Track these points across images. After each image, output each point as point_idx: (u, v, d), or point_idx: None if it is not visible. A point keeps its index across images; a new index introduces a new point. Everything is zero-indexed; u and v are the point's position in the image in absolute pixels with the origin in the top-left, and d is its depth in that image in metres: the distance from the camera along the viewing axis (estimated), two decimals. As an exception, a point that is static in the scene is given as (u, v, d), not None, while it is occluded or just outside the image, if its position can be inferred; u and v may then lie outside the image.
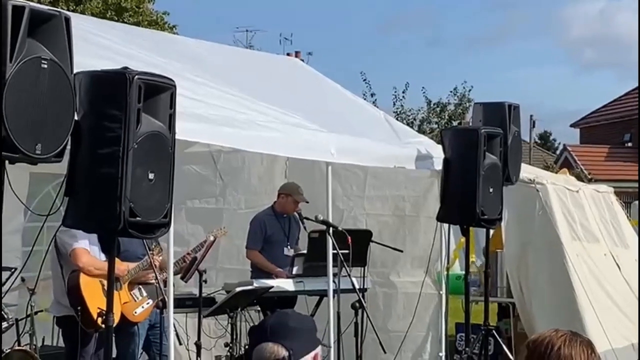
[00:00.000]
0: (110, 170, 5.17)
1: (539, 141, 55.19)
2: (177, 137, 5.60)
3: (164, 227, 5.61)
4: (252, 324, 9.88)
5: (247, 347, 10.13)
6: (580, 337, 3.41)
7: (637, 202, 25.16)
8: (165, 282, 7.34)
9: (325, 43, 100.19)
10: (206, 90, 7.88)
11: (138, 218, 5.29)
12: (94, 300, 7.23)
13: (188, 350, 8.85)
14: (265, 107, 8.22)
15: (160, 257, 7.94)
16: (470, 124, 11.38)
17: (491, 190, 8.66)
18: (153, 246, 7.84)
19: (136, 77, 5.23)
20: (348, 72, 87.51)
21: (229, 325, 8.76)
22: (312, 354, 3.35)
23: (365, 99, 32.06)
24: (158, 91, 5.44)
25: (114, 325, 5.77)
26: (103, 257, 7.40)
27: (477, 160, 8.53)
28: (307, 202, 9.88)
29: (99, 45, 7.69)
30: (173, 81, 5.55)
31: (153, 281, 7.91)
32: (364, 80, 34.84)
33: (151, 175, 5.37)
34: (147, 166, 5.34)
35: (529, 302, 10.23)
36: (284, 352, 3.31)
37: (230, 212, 11.32)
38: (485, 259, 9.64)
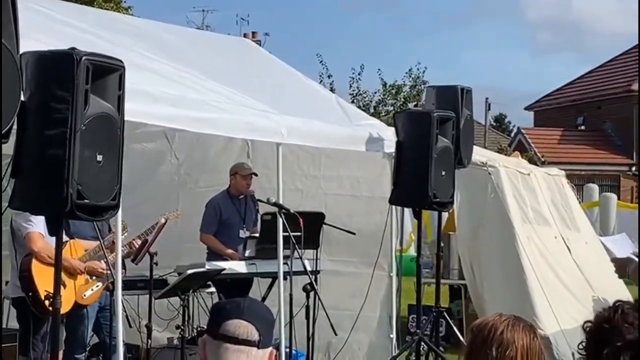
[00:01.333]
0: (58, 152, 5.12)
1: (494, 124, 55.49)
2: (125, 118, 5.55)
3: (112, 209, 5.57)
4: (204, 306, 9.88)
5: (199, 329, 10.12)
6: (523, 321, 3.43)
7: (590, 184, 25.45)
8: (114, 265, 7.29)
9: (284, 24, 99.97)
10: (158, 67, 7.83)
11: (86, 200, 5.25)
12: (47, 285, 7.15)
13: (140, 332, 8.81)
14: (217, 87, 8.19)
15: (125, 234, 7.91)
16: (423, 106, 11.40)
17: (443, 173, 8.69)
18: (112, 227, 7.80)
19: (84, 57, 5.18)
20: (307, 53, 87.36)
21: (181, 307, 8.72)
22: (270, 349, 3.25)
23: (322, 81, 32.13)
24: (106, 72, 5.39)
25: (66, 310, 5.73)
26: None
27: (429, 144, 8.55)
28: (256, 175, 9.87)
29: (46, 25, 7.59)
30: (122, 62, 5.50)
31: (102, 269, 7.86)
32: (320, 62, 34.75)
33: (99, 157, 5.32)
34: (96, 148, 5.29)
35: (480, 284, 10.30)
36: (256, 336, 3.16)
37: (187, 190, 11.28)
38: (437, 242, 9.69)
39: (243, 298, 3.34)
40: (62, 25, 7.93)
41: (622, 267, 8.07)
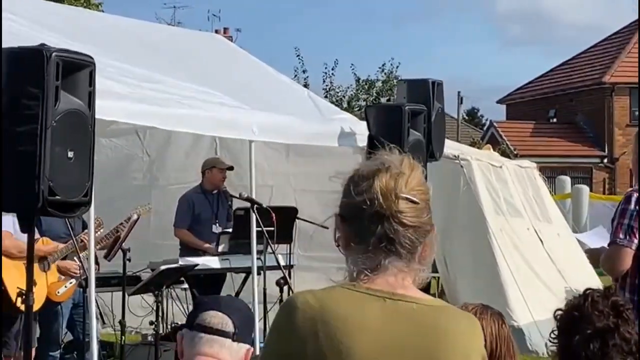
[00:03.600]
0: (29, 149, 5.12)
1: (466, 117, 55.65)
2: (96, 115, 5.55)
3: (84, 205, 5.57)
4: (178, 303, 9.89)
5: (173, 325, 10.12)
6: (490, 309, 3.47)
7: (562, 177, 25.62)
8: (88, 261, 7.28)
9: (255, 19, 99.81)
10: (125, 68, 7.80)
11: (57, 197, 5.24)
12: (16, 283, 7.13)
13: (114, 328, 8.80)
14: (187, 84, 8.17)
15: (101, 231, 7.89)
16: (394, 100, 11.45)
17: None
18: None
19: (54, 54, 5.18)
20: (280, 48, 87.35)
21: (155, 303, 8.71)
22: (247, 346, 3.28)
23: (296, 76, 32.11)
24: (77, 68, 5.38)
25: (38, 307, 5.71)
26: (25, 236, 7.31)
27: (401, 137, 8.57)
28: (232, 168, 9.89)
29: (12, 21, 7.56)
30: (92, 58, 5.49)
31: (75, 268, 7.84)
32: (297, 56, 34.69)
33: (70, 154, 5.32)
34: (67, 144, 5.29)
35: (453, 276, 10.35)
36: (231, 327, 3.21)
37: (159, 188, 11.29)
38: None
39: (227, 295, 3.39)
40: (31, 23, 7.90)
41: (597, 257, 8.12)
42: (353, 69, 36.13)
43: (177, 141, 11.20)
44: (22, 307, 6.25)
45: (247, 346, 3.27)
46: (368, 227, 2.39)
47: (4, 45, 5.30)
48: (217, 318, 3.22)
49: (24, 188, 5.16)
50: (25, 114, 5.13)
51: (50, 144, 5.15)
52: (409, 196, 2.39)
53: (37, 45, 5.26)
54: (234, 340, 3.21)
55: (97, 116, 5.58)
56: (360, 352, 2.31)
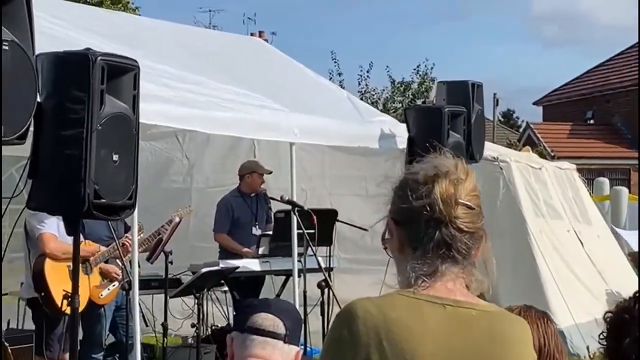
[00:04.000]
0: (74, 152, 5.16)
1: (502, 119, 55.40)
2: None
3: (128, 208, 5.61)
4: (218, 305, 9.92)
5: (213, 327, 10.16)
6: (534, 309, 3.45)
7: (601, 178, 25.44)
8: (131, 263, 7.33)
9: (290, 22, 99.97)
10: (166, 71, 7.84)
11: (103, 200, 5.29)
12: (60, 285, 7.18)
13: (154, 331, 8.84)
14: (227, 88, 8.20)
15: (142, 235, 7.94)
16: (434, 102, 11.41)
17: (455, 168, 8.68)
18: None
19: (99, 58, 5.22)
20: (315, 51, 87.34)
21: (196, 306, 8.75)
22: (297, 348, 3.29)
23: (331, 79, 32.11)
24: (121, 72, 5.43)
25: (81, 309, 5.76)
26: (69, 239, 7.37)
27: (441, 139, 8.54)
28: (271, 172, 9.91)
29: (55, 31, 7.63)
30: (136, 62, 5.53)
31: (118, 272, 7.90)
32: (333, 59, 34.65)
33: (115, 157, 5.36)
34: (112, 148, 5.33)
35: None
36: (283, 329, 3.21)
37: (199, 190, 11.35)
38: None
39: (275, 297, 3.39)
40: (74, 27, 7.97)
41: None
42: (388, 71, 36.12)
43: (216, 144, 11.24)
44: (67, 310, 6.30)
45: (297, 348, 3.27)
46: (425, 232, 2.38)
47: (49, 49, 5.35)
48: (268, 320, 3.23)
49: (70, 191, 5.21)
50: (71, 117, 5.18)
51: (95, 147, 5.20)
52: (466, 202, 2.39)
53: (83, 50, 5.31)
54: (285, 342, 3.21)
55: (140, 120, 5.62)
56: (423, 359, 2.30)
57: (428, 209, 2.38)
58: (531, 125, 38.85)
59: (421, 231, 2.38)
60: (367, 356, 2.32)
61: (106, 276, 7.97)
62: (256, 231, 10.01)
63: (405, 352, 2.29)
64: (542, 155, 26.42)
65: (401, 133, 9.13)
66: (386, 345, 2.30)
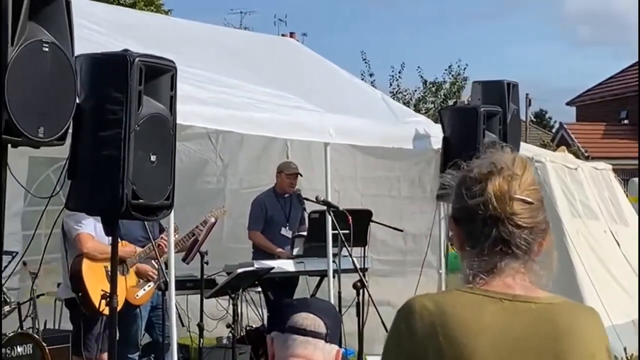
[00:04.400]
0: (113, 153, 5.18)
1: (534, 119, 55.16)
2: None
3: (166, 209, 5.63)
4: (252, 306, 9.93)
5: (247, 327, 10.17)
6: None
7: (635, 179, 25.27)
8: (166, 264, 7.35)
9: (320, 23, 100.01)
10: (201, 73, 7.86)
11: (140, 200, 5.30)
12: (98, 285, 7.22)
13: (190, 331, 8.86)
14: (262, 89, 8.21)
15: (177, 236, 7.96)
16: (467, 102, 11.38)
17: (491, 168, 8.64)
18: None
19: (137, 59, 5.24)
20: (345, 52, 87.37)
21: (230, 306, 8.76)
22: (337, 347, 3.29)
23: (363, 79, 32.09)
24: (159, 73, 5.44)
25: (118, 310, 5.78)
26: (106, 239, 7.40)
27: (476, 139, 8.52)
28: (301, 175, 9.90)
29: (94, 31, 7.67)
30: (173, 63, 5.55)
31: (153, 272, 7.93)
32: (364, 59, 34.57)
33: (153, 157, 5.38)
34: (149, 148, 5.35)
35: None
36: (323, 328, 3.19)
37: (232, 191, 11.37)
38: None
39: (312, 297, 3.38)
40: (109, 30, 8.00)
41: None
42: (419, 72, 36.01)
43: (249, 145, 11.25)
44: (104, 310, 6.33)
45: (337, 347, 3.27)
46: (482, 230, 2.37)
47: (85, 52, 5.37)
48: (309, 319, 3.21)
49: (108, 192, 5.23)
50: (109, 118, 5.20)
51: (133, 148, 5.21)
52: (523, 197, 2.37)
53: (121, 51, 5.33)
54: (326, 342, 3.21)
55: (177, 121, 5.63)
56: (481, 354, 2.29)
57: (482, 207, 2.37)
58: (565, 126, 38.66)
59: (478, 229, 2.37)
60: (423, 351, 2.33)
61: (142, 276, 7.99)
62: (286, 232, 10.02)
63: (462, 347, 2.29)
64: (576, 155, 26.27)
65: (436, 133, 9.10)
66: (442, 340, 2.31)
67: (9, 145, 4.83)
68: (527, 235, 2.37)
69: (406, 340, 2.37)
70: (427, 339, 2.33)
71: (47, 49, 4.75)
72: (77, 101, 5.08)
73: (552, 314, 2.35)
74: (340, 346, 3.32)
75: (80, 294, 7.41)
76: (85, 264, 7.51)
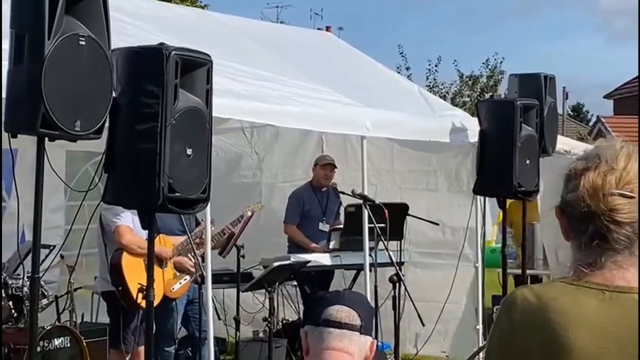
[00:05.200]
0: (149, 146, 5.19)
1: (572, 113, 54.84)
2: (213, 114, 5.60)
3: (202, 202, 5.63)
4: (289, 299, 9.94)
5: (284, 321, 10.18)
6: None
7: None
8: (203, 258, 7.36)
9: (356, 17, 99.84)
10: (238, 66, 7.88)
11: (177, 194, 5.31)
12: (137, 279, 7.22)
13: (226, 325, 8.88)
14: (299, 83, 8.22)
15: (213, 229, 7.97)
16: (503, 96, 11.32)
17: (528, 161, 8.59)
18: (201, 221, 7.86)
19: (173, 52, 5.23)
20: (381, 46, 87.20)
21: (267, 299, 8.77)
22: (371, 338, 3.29)
23: (399, 73, 32.01)
24: (194, 66, 5.43)
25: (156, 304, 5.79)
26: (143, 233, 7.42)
27: (513, 132, 8.45)
28: (336, 167, 9.89)
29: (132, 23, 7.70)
30: (209, 56, 5.54)
31: (190, 264, 7.94)
32: (401, 53, 34.51)
33: (189, 151, 5.38)
34: (185, 142, 5.35)
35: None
36: (358, 320, 3.20)
37: (268, 185, 11.39)
38: (522, 232, 9.59)
39: (345, 290, 3.39)
40: (144, 24, 8.03)
41: None
42: (456, 65, 35.91)
43: (284, 140, 11.26)
44: (143, 303, 6.35)
45: (371, 338, 3.28)
46: (580, 225, 2.35)
47: (121, 46, 5.39)
48: (343, 312, 3.22)
49: (145, 185, 5.23)
50: (145, 112, 5.20)
51: (169, 141, 5.21)
52: (622, 192, 2.31)
53: (157, 45, 5.33)
54: (361, 334, 3.21)
55: (215, 114, 5.64)
56: (580, 344, 2.27)
57: (578, 202, 2.34)
58: (602, 119, 38.38)
59: (576, 224, 2.35)
60: (525, 343, 2.33)
61: (181, 269, 8.01)
62: (323, 227, 10.01)
63: (561, 337, 2.27)
64: (613, 149, 26.08)
65: (472, 127, 9.06)
66: (541, 330, 2.30)
67: (46, 139, 4.85)
68: (628, 230, 2.31)
69: (507, 332, 2.37)
70: (528, 330, 2.32)
71: (83, 43, 4.76)
72: (114, 95, 5.09)
73: None
74: (374, 338, 3.33)
75: (120, 288, 7.44)
76: (125, 258, 7.54)
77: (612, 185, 2.31)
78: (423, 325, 8.71)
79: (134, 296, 7.07)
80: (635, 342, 2.26)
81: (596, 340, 2.27)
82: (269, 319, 8.60)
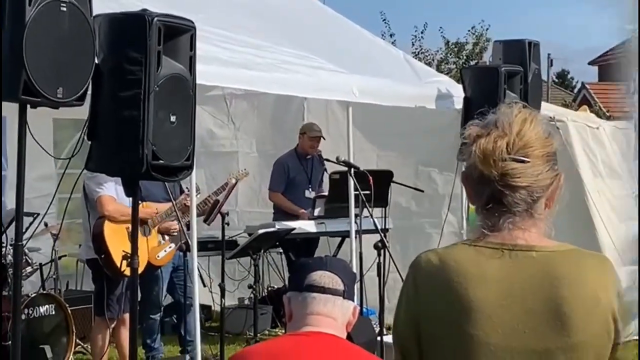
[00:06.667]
0: (132, 113, 5.16)
1: (556, 80, 54.81)
2: (198, 82, 5.58)
3: (186, 169, 5.61)
4: (274, 266, 9.96)
5: (269, 288, 10.21)
6: None
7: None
8: (188, 226, 7.36)
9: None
10: (223, 33, 7.83)
11: (161, 161, 5.29)
12: (120, 246, 7.22)
13: (211, 292, 8.90)
14: (284, 49, 8.18)
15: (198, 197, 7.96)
16: (488, 63, 11.30)
17: (512, 128, 8.60)
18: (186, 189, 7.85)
19: (155, 18, 5.20)
20: (366, 12, 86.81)
21: (252, 267, 8.79)
22: (354, 303, 3.33)
23: (384, 39, 31.85)
24: (178, 33, 5.40)
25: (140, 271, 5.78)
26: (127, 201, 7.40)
27: (497, 99, 8.45)
28: (324, 139, 9.89)
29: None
30: (192, 23, 5.50)
31: (175, 228, 7.93)
32: (383, 20, 34.31)
33: (173, 118, 5.36)
34: (169, 109, 5.32)
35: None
36: (341, 286, 3.26)
37: (244, 155, 11.37)
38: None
39: (325, 255, 3.42)
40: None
41: None
42: (442, 32, 35.74)
43: (262, 109, 11.25)
44: (126, 271, 6.35)
45: (354, 303, 3.33)
46: (477, 189, 2.40)
47: (103, 12, 5.35)
48: (326, 277, 3.27)
49: (128, 153, 5.21)
50: (128, 79, 5.17)
51: (153, 108, 5.19)
52: (515, 156, 2.35)
53: (139, 11, 5.29)
54: (344, 298, 3.25)
55: (201, 82, 5.61)
56: (482, 303, 2.33)
57: (472, 168, 2.39)
58: (586, 86, 38.42)
59: (474, 189, 2.41)
60: (429, 304, 2.39)
61: (165, 233, 7.99)
62: (309, 194, 10.02)
63: (463, 297, 2.33)
64: (597, 115, 26.11)
65: (458, 93, 9.05)
66: (446, 291, 2.36)
67: (29, 106, 4.83)
68: (523, 194, 2.37)
69: (413, 296, 2.43)
70: (431, 293, 2.39)
71: (64, 9, 4.73)
72: (96, 61, 5.06)
73: (555, 261, 2.36)
74: (359, 305, 3.36)
75: (103, 256, 7.42)
76: (107, 226, 7.52)
77: (503, 150, 2.35)
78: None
79: (118, 264, 7.07)
80: (535, 296, 2.32)
81: (497, 297, 2.33)
82: (254, 286, 8.62)
